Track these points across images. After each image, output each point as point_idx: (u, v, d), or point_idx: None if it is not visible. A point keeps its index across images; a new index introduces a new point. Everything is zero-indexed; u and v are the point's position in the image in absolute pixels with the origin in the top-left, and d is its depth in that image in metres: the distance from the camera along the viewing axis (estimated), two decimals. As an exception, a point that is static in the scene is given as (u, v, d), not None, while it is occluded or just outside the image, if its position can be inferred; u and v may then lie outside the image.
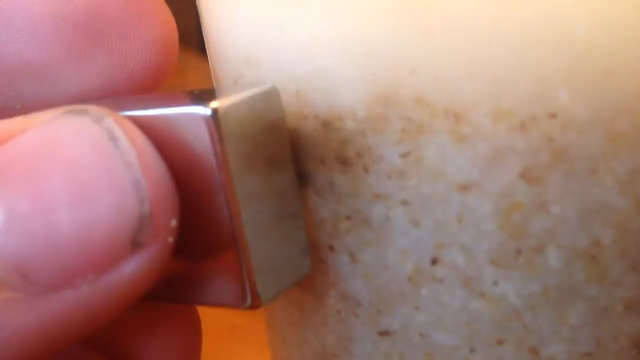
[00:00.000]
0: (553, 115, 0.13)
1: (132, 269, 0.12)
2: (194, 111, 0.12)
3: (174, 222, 0.12)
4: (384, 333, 0.15)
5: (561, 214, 0.13)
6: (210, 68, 0.18)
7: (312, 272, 0.16)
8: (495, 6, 0.13)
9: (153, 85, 0.16)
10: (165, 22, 0.15)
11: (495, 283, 0.14)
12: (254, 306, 0.13)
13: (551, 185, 0.13)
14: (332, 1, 0.14)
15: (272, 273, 0.14)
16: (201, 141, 0.13)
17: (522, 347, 0.14)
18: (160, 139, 0.13)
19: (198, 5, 0.18)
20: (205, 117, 0.12)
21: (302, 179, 0.16)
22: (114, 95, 0.15)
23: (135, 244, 0.12)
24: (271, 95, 0.14)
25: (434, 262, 0.14)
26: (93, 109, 0.13)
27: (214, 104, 0.12)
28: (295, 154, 0.15)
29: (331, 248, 0.16)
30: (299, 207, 0.14)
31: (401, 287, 0.15)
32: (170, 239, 0.12)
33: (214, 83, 0.18)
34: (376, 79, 0.14)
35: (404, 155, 0.14)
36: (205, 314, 0.18)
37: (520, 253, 0.14)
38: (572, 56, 0.12)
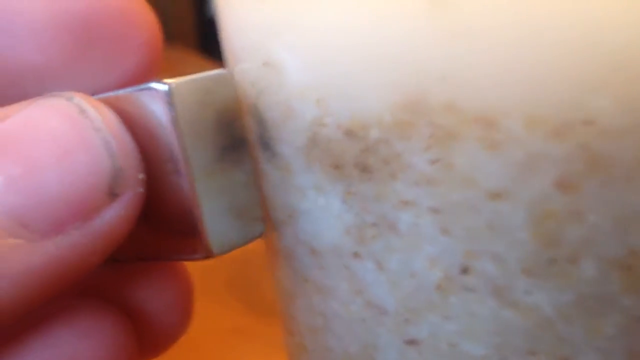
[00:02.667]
0: (589, 123, 0.12)
1: (111, 215, 0.14)
2: (152, 87, 0.15)
3: (141, 175, 0.15)
4: (411, 342, 0.15)
5: (596, 222, 0.13)
6: (225, 64, 0.18)
7: (335, 279, 0.16)
8: (529, 11, 0.12)
9: (139, 82, 0.16)
10: (150, 25, 0.17)
11: (528, 292, 0.13)
12: (207, 257, 0.15)
13: (586, 193, 0.13)
14: (355, 5, 0.13)
15: (223, 231, 0.15)
16: (158, 112, 0.15)
17: (554, 358, 0.14)
18: (125, 114, 0.15)
19: (215, 9, 0.17)
20: (160, 91, 0.14)
21: (318, 184, 0.15)
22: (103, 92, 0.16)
23: (112, 195, 0.14)
24: (224, 78, 0.16)
25: (464, 270, 0.14)
26: (65, 93, 0.15)
27: (169, 81, 0.15)
28: (309, 160, 0.15)
29: (356, 255, 0.15)
30: (251, 180, 0.16)
31: (429, 296, 0.14)
32: (140, 189, 0.15)
33: None
34: (404, 85, 0.13)
35: (433, 162, 0.13)
36: (210, 316, 0.19)
37: (553, 262, 0.13)
38: (609, 63, 0.12)
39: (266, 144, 0.16)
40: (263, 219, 0.17)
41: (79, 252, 0.14)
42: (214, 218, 0.15)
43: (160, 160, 0.15)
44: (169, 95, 0.15)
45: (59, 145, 0.14)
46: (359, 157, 0.14)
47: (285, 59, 0.15)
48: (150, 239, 0.17)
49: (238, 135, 0.16)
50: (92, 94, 0.16)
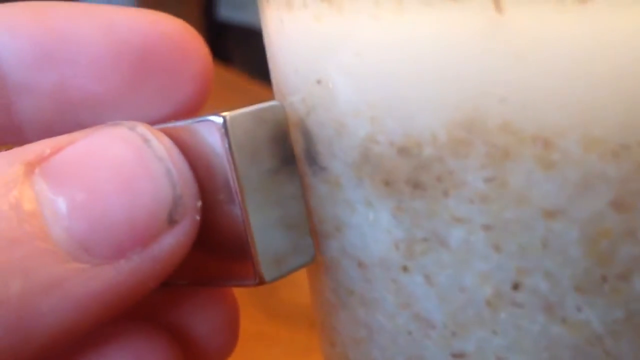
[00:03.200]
0: (646, 143, 0.12)
1: (170, 241, 0.15)
2: (209, 119, 0.15)
3: (199, 203, 0.15)
4: (458, 355, 0.15)
5: (650, 241, 0.13)
6: (274, 87, 0.18)
7: (381, 292, 0.16)
8: (588, 32, 0.12)
9: (194, 111, 0.18)
10: (204, 58, 0.17)
11: (579, 309, 0.14)
12: (259, 284, 0.16)
13: (641, 213, 0.13)
14: (414, 24, 0.13)
15: (275, 259, 0.16)
16: (214, 143, 0.15)
17: (604, 373, 0.14)
18: (182, 144, 0.15)
19: (263, 25, 0.18)
20: (217, 124, 0.15)
21: (367, 199, 0.15)
22: (159, 122, 0.16)
23: (171, 221, 0.15)
24: (277, 109, 0.16)
25: (515, 287, 0.14)
26: (126, 122, 0.15)
27: (225, 114, 0.15)
28: (360, 175, 0.15)
29: (404, 269, 0.15)
30: (302, 207, 0.16)
31: (478, 311, 0.15)
32: (197, 217, 0.15)
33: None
34: (461, 104, 0.13)
35: (488, 180, 0.14)
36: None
37: (605, 280, 0.13)
38: (667, 84, 0.12)
39: (313, 159, 0.17)
40: (314, 245, 0.17)
41: (138, 277, 0.15)
42: (266, 245, 0.16)
43: (214, 189, 0.15)
44: (225, 127, 0.15)
45: (122, 172, 0.14)
46: (411, 174, 0.14)
47: (339, 77, 0.15)
48: (202, 264, 0.17)
49: (288, 162, 0.16)
50: (149, 124, 0.16)
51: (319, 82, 0.15)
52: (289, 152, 0.16)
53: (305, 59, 0.15)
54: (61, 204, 0.14)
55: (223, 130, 0.15)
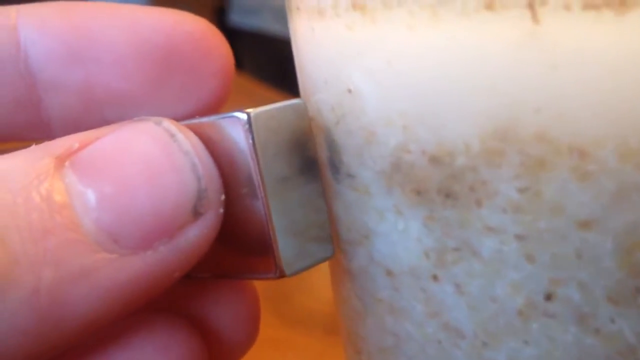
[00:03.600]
0: (683, 155, 0.12)
1: (194, 233, 0.15)
2: (234, 115, 0.15)
3: (222, 197, 0.15)
4: (488, 365, 0.15)
5: (686, 253, 0.13)
6: (302, 95, 0.18)
7: (410, 301, 0.16)
8: (625, 43, 0.12)
9: (215, 108, 0.18)
10: (225, 55, 0.17)
11: (612, 320, 0.14)
12: (280, 276, 0.16)
13: (677, 224, 0.13)
14: (449, 33, 0.13)
15: (295, 253, 0.16)
16: (238, 139, 0.15)
17: (637, 384, 0.14)
18: (207, 140, 0.16)
19: (292, 34, 0.18)
20: (241, 120, 0.15)
21: (398, 208, 0.15)
22: (182, 118, 0.17)
23: (196, 213, 0.15)
24: (299, 107, 0.16)
25: (548, 297, 0.14)
26: (152, 117, 0.16)
27: (249, 110, 0.15)
28: (390, 184, 0.15)
29: (434, 277, 0.15)
30: (323, 204, 0.17)
31: (510, 321, 0.14)
32: (221, 210, 0.15)
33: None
34: (495, 114, 0.13)
35: (521, 190, 0.13)
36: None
37: (639, 291, 0.13)
38: None
39: (338, 167, 0.17)
40: (333, 241, 0.17)
41: (164, 268, 0.15)
42: (287, 240, 0.16)
43: (237, 183, 0.16)
44: (249, 123, 0.15)
45: (149, 166, 0.15)
46: (443, 183, 0.14)
47: (370, 86, 0.15)
48: (224, 257, 0.17)
49: (310, 159, 0.17)
50: (173, 119, 0.16)
51: (349, 91, 0.15)
52: (312, 149, 0.17)
53: (336, 68, 0.15)
54: (90, 195, 0.14)
55: (247, 126, 0.15)
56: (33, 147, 0.15)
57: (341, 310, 0.19)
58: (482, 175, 0.14)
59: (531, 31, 0.12)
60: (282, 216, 0.16)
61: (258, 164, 0.15)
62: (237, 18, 1.56)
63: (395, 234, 0.16)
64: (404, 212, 0.15)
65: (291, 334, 0.41)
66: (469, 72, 0.13)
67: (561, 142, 0.13)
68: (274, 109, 0.16)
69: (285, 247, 0.16)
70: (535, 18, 0.12)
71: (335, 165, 0.17)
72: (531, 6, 0.12)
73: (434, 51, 0.13)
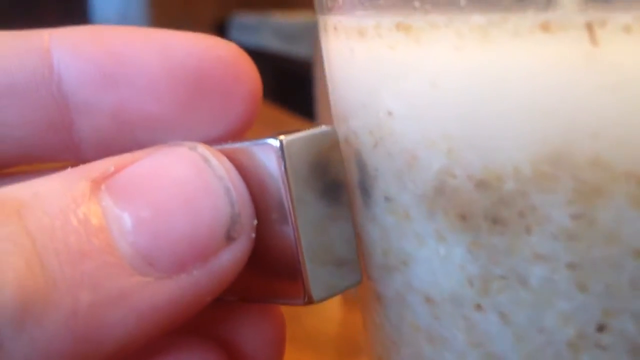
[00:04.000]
0: None
1: (227, 257, 0.15)
2: (266, 142, 0.16)
3: (255, 222, 0.16)
4: (534, 397, 0.14)
5: None
6: (335, 117, 0.17)
7: (451, 330, 0.15)
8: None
9: (242, 132, 0.18)
10: (254, 80, 0.18)
11: (669, 352, 0.13)
12: (308, 303, 0.16)
13: None
14: (500, 55, 0.13)
15: (324, 279, 0.16)
16: (270, 165, 0.16)
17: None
18: (239, 165, 0.16)
19: (325, 55, 0.17)
20: (274, 147, 0.15)
21: (440, 233, 0.15)
22: (211, 141, 0.17)
23: (229, 238, 0.15)
24: (330, 135, 0.16)
25: (600, 328, 0.13)
26: (186, 142, 0.16)
27: (281, 137, 0.15)
28: (432, 209, 0.15)
29: (478, 306, 0.15)
30: (352, 230, 0.17)
31: (558, 352, 0.14)
32: (253, 234, 0.16)
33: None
34: (549, 138, 0.13)
35: (575, 217, 0.13)
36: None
37: (698, 322, 0.13)
38: None
39: (370, 191, 0.16)
40: (361, 267, 0.17)
41: (197, 291, 0.15)
42: (316, 266, 0.16)
43: (267, 209, 0.16)
44: (282, 149, 0.15)
45: (184, 190, 0.15)
46: (490, 208, 0.14)
47: (413, 108, 0.14)
48: (252, 281, 0.17)
49: (340, 185, 0.17)
50: (203, 143, 0.16)
51: (389, 113, 0.15)
52: (341, 176, 0.17)
53: (376, 90, 0.15)
54: (127, 219, 0.14)
55: (280, 152, 0.15)
56: (69, 170, 0.15)
57: (372, 337, 0.18)
58: (533, 200, 0.13)
59: (589, 53, 0.12)
60: (311, 242, 0.16)
61: (289, 190, 0.15)
62: (238, 35, 1.56)
63: (436, 260, 0.15)
64: (446, 237, 0.15)
65: (300, 356, 0.40)
66: (521, 94, 0.13)
67: (618, 169, 0.12)
68: (306, 136, 0.16)
69: (314, 273, 0.16)
70: (593, 40, 0.12)
71: (366, 189, 0.16)
72: (590, 27, 0.12)
73: (483, 72, 0.13)
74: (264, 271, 0.17)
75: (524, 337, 0.14)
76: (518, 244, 0.14)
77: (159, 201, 0.15)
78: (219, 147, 0.16)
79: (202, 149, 0.16)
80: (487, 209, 0.14)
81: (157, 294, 0.14)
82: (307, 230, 0.16)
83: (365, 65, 0.15)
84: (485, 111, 0.13)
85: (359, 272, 0.17)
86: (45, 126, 0.17)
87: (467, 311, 0.15)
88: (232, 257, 0.15)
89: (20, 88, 0.17)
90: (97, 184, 0.15)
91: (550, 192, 0.13)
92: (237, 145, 0.16)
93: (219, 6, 1.67)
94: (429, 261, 0.15)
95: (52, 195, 0.14)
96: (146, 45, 0.17)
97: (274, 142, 0.15)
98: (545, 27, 0.12)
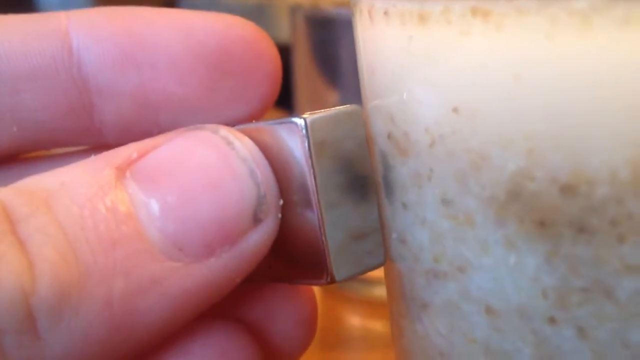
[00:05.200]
0: None
1: (255, 238, 0.15)
2: (291, 121, 0.15)
3: (280, 202, 0.15)
4: (613, 417, 0.13)
5: None
6: (368, 111, 0.16)
7: (516, 343, 0.14)
8: None
9: (264, 111, 0.17)
10: (274, 58, 0.17)
11: None
12: (330, 282, 0.16)
13: None
14: (601, 45, 0.11)
15: (346, 259, 0.16)
16: (294, 145, 0.15)
17: None
18: (263, 145, 0.15)
19: (364, 41, 0.15)
20: (298, 125, 0.15)
21: (510, 241, 0.13)
22: (234, 122, 0.16)
23: (256, 219, 0.15)
24: (355, 113, 0.16)
25: (698, 345, 0.12)
26: (208, 125, 0.15)
27: (305, 116, 0.15)
28: (503, 214, 0.13)
29: (552, 320, 0.13)
30: (375, 212, 0.16)
31: (645, 369, 0.13)
32: (279, 215, 0.15)
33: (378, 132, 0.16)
34: (654, 138, 0.11)
35: (678, 227, 0.11)
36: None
37: None
38: None
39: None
40: (384, 250, 0.16)
41: (227, 273, 0.15)
42: (338, 245, 0.16)
43: (290, 188, 0.15)
44: (306, 128, 0.15)
45: (209, 174, 0.14)
46: (576, 215, 0.12)
47: (489, 104, 0.12)
48: (275, 262, 0.16)
49: (365, 162, 0.16)
50: (225, 123, 0.16)
51: (455, 109, 0.13)
52: (366, 157, 0.16)
53: (437, 83, 0.13)
54: (154, 205, 0.14)
55: (304, 131, 0.15)
56: (92, 157, 0.15)
57: (410, 346, 0.17)
58: (629, 207, 0.12)
59: None
60: (334, 223, 0.15)
61: (313, 170, 0.15)
62: (187, 15, 1.52)
63: (503, 269, 0.13)
64: (518, 245, 0.13)
65: None
66: (623, 90, 0.11)
67: None
68: (331, 115, 0.15)
69: (336, 252, 0.15)
70: None
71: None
72: None
73: (580, 65, 0.11)
74: (286, 251, 0.16)
75: (605, 353, 0.13)
76: (607, 255, 0.12)
77: (184, 186, 0.14)
78: (241, 127, 0.16)
79: (225, 131, 0.15)
80: (572, 215, 0.12)
81: (188, 278, 0.14)
82: (330, 210, 0.15)
83: (425, 55, 0.13)
84: (580, 109, 0.12)
85: (382, 253, 0.16)
86: (66, 110, 0.17)
87: (538, 324, 0.13)
88: (259, 238, 0.15)
89: (40, 72, 0.16)
90: (121, 171, 0.14)
91: (650, 198, 0.11)
92: (260, 124, 0.16)
93: (167, -14, 1.62)
94: (493, 270, 0.14)
95: (79, 184, 0.14)
96: (167, 25, 0.16)
97: (299, 121, 0.15)
98: (659, 15, 0.11)
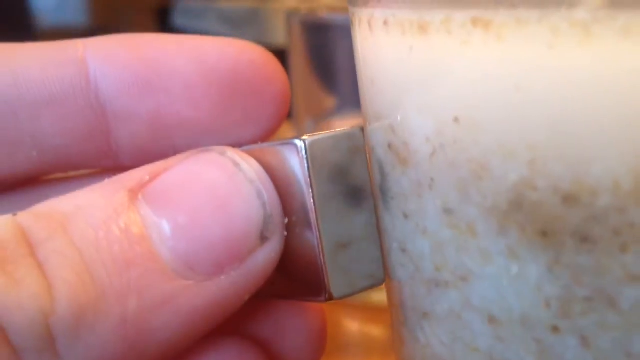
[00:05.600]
0: None
1: (262, 256, 0.15)
2: (291, 142, 0.16)
3: (285, 220, 0.16)
4: None
5: None
6: (368, 120, 0.15)
7: (518, 353, 0.14)
8: None
9: (274, 131, 0.18)
10: (283, 80, 0.18)
11: None
12: (328, 300, 0.16)
13: None
14: (603, 54, 0.11)
15: (344, 278, 0.16)
16: (294, 165, 0.16)
17: None
18: (266, 165, 0.16)
19: (363, 50, 0.15)
20: (298, 146, 0.15)
21: (512, 250, 0.13)
22: (247, 142, 0.17)
23: (263, 238, 0.15)
24: (355, 135, 0.16)
25: (702, 354, 0.12)
26: (216, 147, 0.16)
27: (305, 137, 0.16)
28: (505, 223, 0.13)
29: (554, 329, 0.13)
30: (374, 230, 0.16)
31: (648, 378, 0.12)
32: (284, 233, 0.16)
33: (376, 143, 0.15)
34: (657, 148, 0.11)
35: (681, 236, 0.11)
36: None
37: None
38: None
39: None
40: (383, 269, 0.17)
41: (236, 291, 0.15)
42: (337, 264, 0.16)
43: (292, 208, 0.16)
44: (305, 149, 0.15)
45: (218, 195, 0.15)
46: (579, 225, 0.12)
47: (489, 114, 0.12)
48: (279, 280, 0.17)
49: (363, 187, 0.16)
50: (235, 145, 0.16)
51: (456, 119, 0.13)
52: (366, 178, 0.16)
53: (438, 93, 0.13)
54: (165, 226, 0.15)
55: (304, 152, 0.15)
56: (106, 181, 0.15)
57: (412, 354, 0.17)
58: (632, 217, 0.12)
59: None
60: (333, 242, 0.16)
61: (312, 190, 0.15)
62: (182, 20, 1.52)
63: (505, 279, 0.13)
64: (520, 254, 0.13)
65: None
66: (627, 98, 0.11)
67: None
68: (331, 136, 0.16)
69: (334, 271, 0.16)
70: None
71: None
72: None
73: (582, 75, 0.11)
74: (288, 269, 0.16)
75: (608, 363, 0.13)
76: (609, 264, 0.12)
77: (194, 207, 0.15)
78: (246, 148, 0.16)
79: (232, 153, 0.16)
80: (575, 225, 0.12)
81: (199, 296, 0.15)
82: (328, 229, 0.16)
83: (426, 65, 0.13)
84: (582, 118, 0.11)
85: (382, 272, 0.17)
86: (84, 134, 0.17)
87: (541, 334, 0.13)
88: (266, 256, 0.15)
89: (59, 99, 0.17)
90: (134, 194, 0.15)
91: (653, 207, 0.11)
92: (264, 145, 0.16)
93: (161, -9, 1.62)
94: (495, 279, 0.14)
95: (93, 208, 0.14)
96: (180, 51, 0.17)
97: (298, 143, 0.15)
98: (660, 25, 0.11)
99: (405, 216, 0.15)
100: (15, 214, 0.14)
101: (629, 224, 0.12)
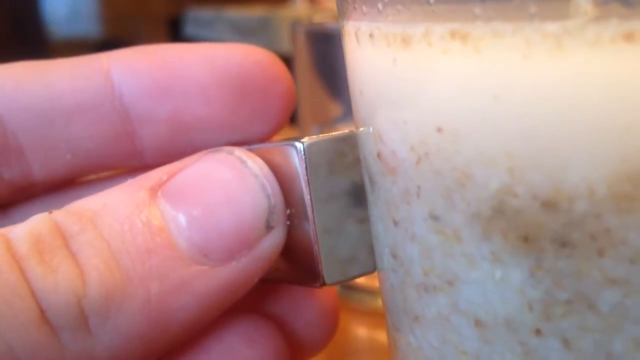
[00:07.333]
0: None
1: (268, 243, 0.17)
2: (291, 143, 0.17)
3: (288, 211, 0.17)
4: None
5: None
6: (359, 128, 0.16)
7: (504, 355, 0.14)
8: None
9: (281, 127, 0.20)
10: (287, 80, 0.19)
11: None
12: (322, 286, 0.18)
13: None
14: (576, 66, 0.12)
15: (337, 266, 0.18)
16: (294, 164, 0.17)
17: None
18: (270, 162, 0.17)
19: (353, 62, 0.16)
20: (297, 148, 0.17)
21: (496, 255, 0.13)
22: (255, 141, 0.19)
23: (268, 227, 0.17)
24: (351, 138, 0.18)
25: (679, 354, 0.12)
26: (224, 147, 0.18)
27: (304, 139, 0.17)
28: (488, 229, 0.13)
29: (537, 331, 0.13)
30: (367, 226, 0.18)
31: (629, 379, 0.13)
32: (288, 222, 0.17)
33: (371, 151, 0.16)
34: (630, 156, 0.11)
35: (655, 240, 0.12)
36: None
37: None
38: None
39: (409, 209, 0.15)
40: (374, 259, 0.18)
41: (246, 274, 0.17)
42: (330, 254, 0.17)
43: (292, 202, 0.17)
44: (304, 150, 0.17)
45: (227, 189, 0.17)
46: (558, 230, 0.12)
47: (469, 124, 0.13)
48: (281, 265, 0.18)
49: (357, 188, 0.18)
50: (244, 142, 0.18)
51: (439, 129, 0.13)
52: (359, 177, 0.18)
53: (421, 104, 0.14)
54: (182, 218, 0.16)
55: (302, 153, 0.17)
56: (129, 181, 0.17)
57: (405, 357, 0.17)
58: (608, 222, 0.12)
59: (679, 64, 0.11)
60: (327, 234, 0.17)
61: (309, 187, 0.17)
62: (192, 30, 1.53)
63: (489, 283, 0.14)
64: (503, 259, 0.13)
65: None
66: (600, 108, 0.11)
67: None
68: (328, 139, 0.17)
69: (327, 260, 0.17)
70: (684, 50, 0.11)
71: (403, 205, 0.15)
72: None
73: (555, 85, 0.12)
74: (288, 256, 0.18)
75: (590, 364, 0.13)
76: (588, 268, 0.12)
77: (207, 201, 0.16)
78: (252, 147, 0.18)
79: (239, 152, 0.17)
80: (554, 230, 0.12)
81: (213, 279, 0.16)
82: (323, 223, 0.17)
83: (409, 76, 0.14)
84: (556, 127, 0.12)
85: (372, 261, 0.18)
86: (111, 137, 0.19)
87: (524, 336, 0.14)
88: (272, 242, 0.17)
89: (88, 106, 0.19)
90: (154, 191, 0.16)
91: (627, 212, 0.12)
92: (268, 145, 0.18)
93: (172, 1, 1.63)
94: (480, 283, 0.14)
95: (118, 205, 0.16)
96: (193, 57, 0.19)
97: (298, 144, 0.17)
98: (629, 37, 0.11)
99: (395, 223, 0.16)
100: (50, 212, 0.16)
101: (605, 229, 0.12)
